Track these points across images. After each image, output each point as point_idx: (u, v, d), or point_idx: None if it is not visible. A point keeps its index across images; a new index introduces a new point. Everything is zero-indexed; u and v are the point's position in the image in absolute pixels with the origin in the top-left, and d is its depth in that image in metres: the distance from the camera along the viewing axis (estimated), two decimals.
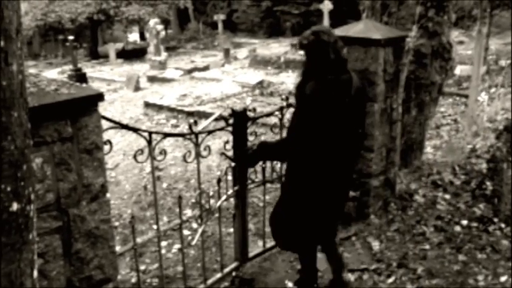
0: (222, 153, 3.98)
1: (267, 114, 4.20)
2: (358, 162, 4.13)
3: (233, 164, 3.94)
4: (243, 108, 3.99)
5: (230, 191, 3.99)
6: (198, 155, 3.58)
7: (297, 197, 3.54)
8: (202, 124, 3.91)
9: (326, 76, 3.27)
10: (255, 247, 4.57)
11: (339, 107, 3.29)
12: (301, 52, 3.43)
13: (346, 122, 3.36)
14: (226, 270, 4.12)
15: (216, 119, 4.89)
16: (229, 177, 4.00)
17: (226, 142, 3.89)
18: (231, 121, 3.83)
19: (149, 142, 3.17)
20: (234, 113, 3.86)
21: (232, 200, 4.20)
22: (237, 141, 3.87)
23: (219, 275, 4.05)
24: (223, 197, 3.92)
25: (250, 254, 4.31)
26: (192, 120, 3.59)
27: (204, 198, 3.82)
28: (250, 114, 3.99)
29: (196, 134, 3.54)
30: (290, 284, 4.09)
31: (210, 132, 3.83)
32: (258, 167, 4.12)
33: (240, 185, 4.01)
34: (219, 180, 3.82)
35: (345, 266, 3.94)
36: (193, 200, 5.73)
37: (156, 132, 3.33)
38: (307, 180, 3.45)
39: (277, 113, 4.18)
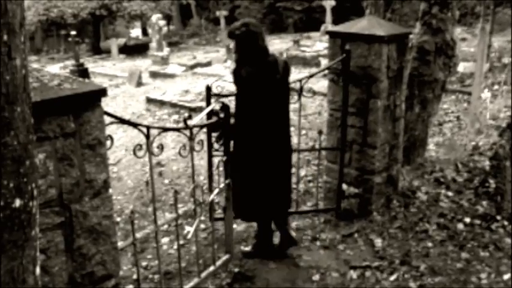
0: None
1: (229, 94, 4.40)
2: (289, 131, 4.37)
3: (225, 158, 3.98)
4: (206, 85, 4.45)
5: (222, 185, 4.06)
6: (192, 149, 3.62)
7: (241, 166, 4.04)
8: (196, 118, 3.95)
9: (257, 60, 3.91)
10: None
11: (272, 82, 3.92)
12: (232, 41, 4.00)
13: (278, 93, 3.99)
14: (218, 263, 4.14)
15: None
16: None
17: (217, 135, 4.01)
18: (222, 115, 3.92)
19: (147, 136, 3.18)
20: (224, 107, 3.99)
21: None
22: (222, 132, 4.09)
23: (212, 268, 4.06)
24: (216, 191, 3.96)
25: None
26: (186, 115, 3.63)
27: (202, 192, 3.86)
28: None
29: (191, 128, 3.58)
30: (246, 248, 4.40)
31: (203, 126, 3.88)
32: None
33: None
34: (210, 174, 3.88)
35: (294, 244, 4.43)
36: None
37: (154, 127, 3.34)
38: (249, 147, 4.01)
39: None
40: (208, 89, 4.44)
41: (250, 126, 3.97)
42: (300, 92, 4.59)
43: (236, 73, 3.96)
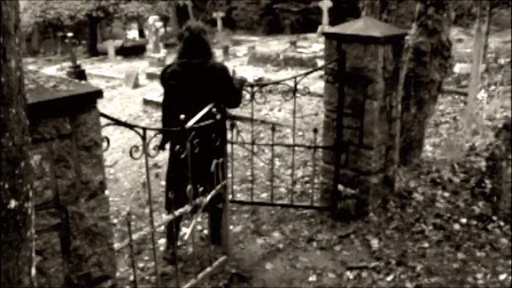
0: None
1: None
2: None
3: (221, 160, 3.98)
4: None
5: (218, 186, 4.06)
6: (188, 150, 3.61)
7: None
8: (193, 120, 3.95)
9: (180, 60, 4.20)
10: (253, 244, 4.57)
11: (192, 81, 4.11)
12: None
13: (200, 91, 4.08)
14: (215, 264, 4.15)
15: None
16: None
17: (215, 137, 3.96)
18: (218, 116, 3.92)
19: (143, 138, 3.18)
20: (220, 108, 3.99)
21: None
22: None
23: (208, 269, 4.07)
24: (212, 192, 3.96)
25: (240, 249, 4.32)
26: (182, 116, 3.60)
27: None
28: None
29: (187, 130, 3.58)
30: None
31: (199, 128, 3.86)
32: None
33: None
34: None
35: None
36: None
37: (150, 128, 3.34)
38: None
39: None
40: None
41: (168, 122, 4.13)
42: (294, 90, 4.62)
43: (162, 70, 4.35)
